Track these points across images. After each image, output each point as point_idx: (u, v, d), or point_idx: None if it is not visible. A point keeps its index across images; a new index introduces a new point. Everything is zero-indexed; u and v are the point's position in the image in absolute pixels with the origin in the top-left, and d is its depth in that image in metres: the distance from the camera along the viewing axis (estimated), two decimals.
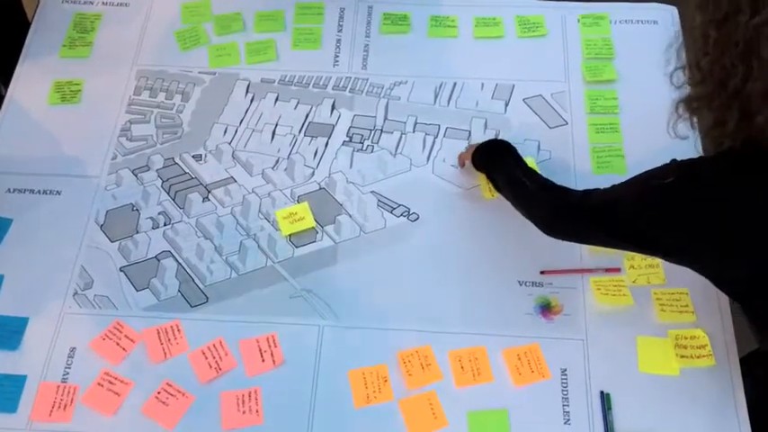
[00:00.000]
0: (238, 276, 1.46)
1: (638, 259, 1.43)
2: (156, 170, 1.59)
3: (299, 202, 1.54)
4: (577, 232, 1.32)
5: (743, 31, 0.95)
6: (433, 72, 1.72)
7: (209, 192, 1.56)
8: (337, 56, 1.75)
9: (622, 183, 1.20)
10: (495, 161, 1.46)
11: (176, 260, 1.48)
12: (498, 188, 1.43)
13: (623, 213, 1.17)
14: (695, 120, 1.10)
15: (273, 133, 1.64)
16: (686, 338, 1.36)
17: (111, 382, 1.33)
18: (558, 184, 1.35)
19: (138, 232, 1.51)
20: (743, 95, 0.98)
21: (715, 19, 0.99)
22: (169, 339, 1.38)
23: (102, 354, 1.37)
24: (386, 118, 1.66)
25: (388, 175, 1.58)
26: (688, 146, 1.21)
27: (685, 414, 1.30)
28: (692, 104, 1.08)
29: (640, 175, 1.16)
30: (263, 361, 1.36)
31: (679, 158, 1.12)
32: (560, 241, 1.35)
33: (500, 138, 1.59)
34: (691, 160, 1.10)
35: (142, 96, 1.69)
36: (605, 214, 1.21)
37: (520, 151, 1.56)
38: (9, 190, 1.56)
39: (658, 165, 1.14)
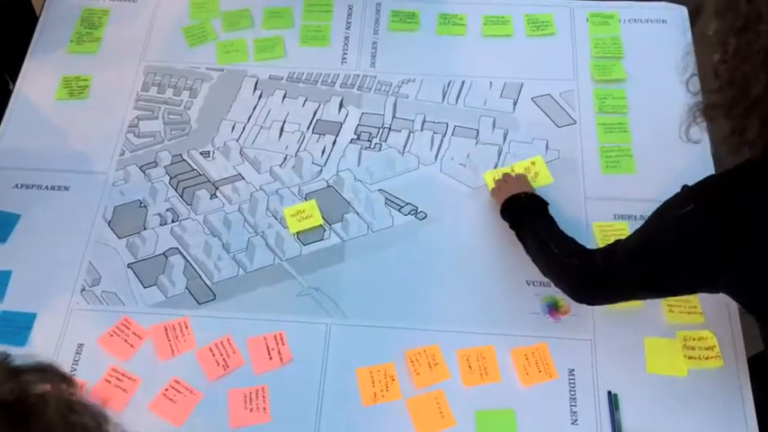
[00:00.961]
0: (246, 274, 1.46)
1: None
2: (164, 166, 1.59)
3: (306, 200, 1.54)
4: (606, 297, 1.29)
5: (765, 39, 0.93)
6: (441, 70, 1.72)
7: (216, 188, 1.56)
8: (345, 53, 1.75)
9: (638, 229, 1.17)
10: (524, 223, 1.40)
11: (184, 257, 1.48)
12: (527, 250, 1.38)
13: (650, 255, 1.14)
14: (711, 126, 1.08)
15: (281, 130, 1.64)
16: (694, 339, 1.36)
17: (118, 379, 1.34)
18: (583, 247, 1.29)
19: (145, 229, 1.51)
20: (764, 103, 0.96)
21: (734, 27, 0.97)
22: (177, 336, 1.38)
23: (109, 350, 1.37)
24: (394, 116, 1.65)
25: (396, 173, 1.58)
26: (698, 147, 1.21)
27: (693, 415, 1.30)
28: (708, 112, 1.05)
29: (654, 213, 1.14)
30: (271, 359, 1.36)
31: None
32: None
33: (510, 139, 1.59)
34: (703, 182, 1.09)
35: (150, 92, 1.69)
36: (632, 266, 1.17)
37: (528, 150, 1.56)
38: (17, 185, 1.56)
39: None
